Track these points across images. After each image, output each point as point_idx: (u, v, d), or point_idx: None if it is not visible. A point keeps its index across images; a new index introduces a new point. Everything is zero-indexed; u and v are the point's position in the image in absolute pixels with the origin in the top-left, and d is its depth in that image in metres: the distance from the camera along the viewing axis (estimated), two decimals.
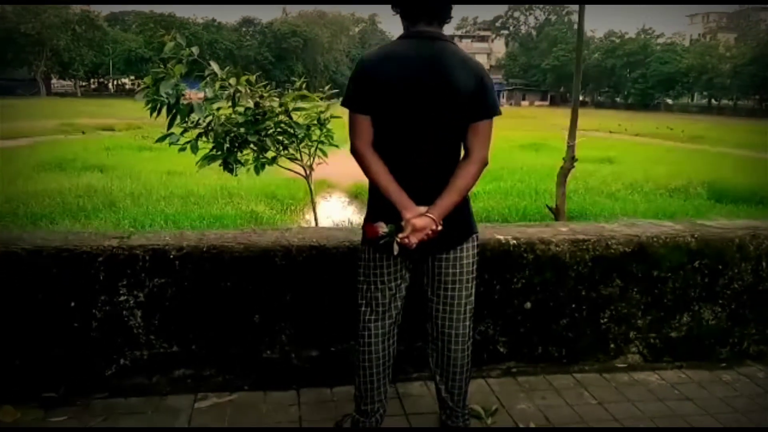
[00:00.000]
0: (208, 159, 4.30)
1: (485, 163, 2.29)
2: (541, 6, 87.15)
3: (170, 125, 4.19)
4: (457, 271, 2.37)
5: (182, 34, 4.16)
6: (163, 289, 2.78)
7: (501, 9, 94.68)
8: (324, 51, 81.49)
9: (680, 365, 3.35)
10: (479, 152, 2.27)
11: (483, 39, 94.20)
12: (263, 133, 4.18)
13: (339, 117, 4.49)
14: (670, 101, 73.40)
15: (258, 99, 4.33)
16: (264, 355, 2.92)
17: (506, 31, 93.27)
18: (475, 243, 2.41)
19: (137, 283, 2.77)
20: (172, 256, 2.78)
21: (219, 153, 4.27)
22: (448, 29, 2.46)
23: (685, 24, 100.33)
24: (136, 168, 13.17)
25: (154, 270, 2.77)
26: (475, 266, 2.42)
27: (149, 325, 2.81)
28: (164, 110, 4.04)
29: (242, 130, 4.17)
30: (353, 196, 11.67)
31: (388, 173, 2.24)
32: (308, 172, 4.43)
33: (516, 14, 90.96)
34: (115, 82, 77.90)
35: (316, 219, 4.62)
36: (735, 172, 13.40)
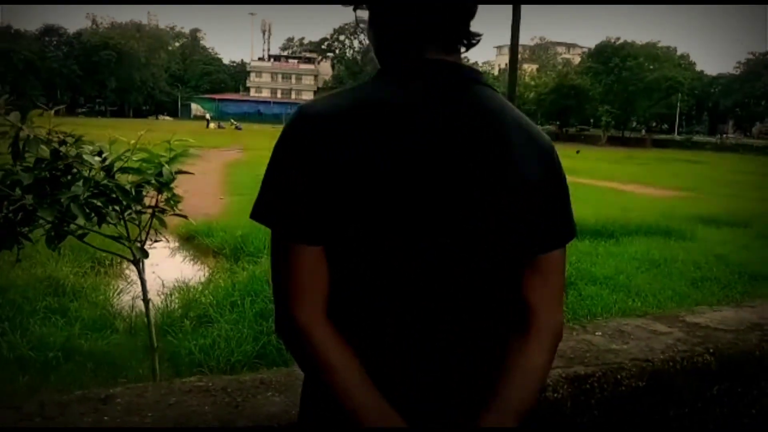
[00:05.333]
0: None
1: (560, 336, 1.12)
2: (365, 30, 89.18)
3: None
4: None
5: None
6: None
7: (327, 31, 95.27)
8: (141, 66, 76.03)
9: None
10: (550, 314, 1.10)
11: (310, 60, 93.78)
12: (66, 203, 2.63)
13: (190, 173, 3.08)
14: None
15: (57, 145, 2.78)
16: None
17: (332, 54, 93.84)
18: None
19: None
20: None
21: None
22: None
23: (494, 54, 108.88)
24: None
25: None
26: None
27: None
28: None
29: (30, 197, 2.60)
30: (183, 239, 9.75)
31: (361, 371, 0.99)
32: (138, 257, 2.89)
33: (341, 38, 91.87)
34: None
35: (154, 369, 3.01)
36: (584, 203, 13.49)
